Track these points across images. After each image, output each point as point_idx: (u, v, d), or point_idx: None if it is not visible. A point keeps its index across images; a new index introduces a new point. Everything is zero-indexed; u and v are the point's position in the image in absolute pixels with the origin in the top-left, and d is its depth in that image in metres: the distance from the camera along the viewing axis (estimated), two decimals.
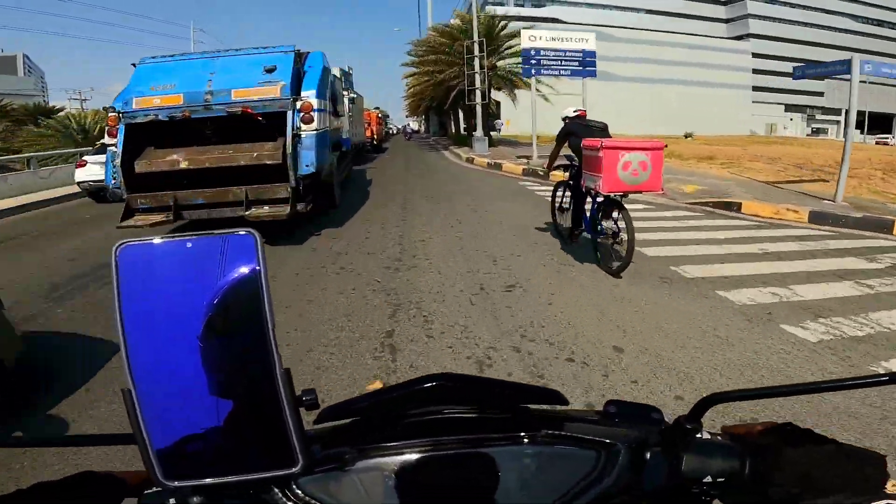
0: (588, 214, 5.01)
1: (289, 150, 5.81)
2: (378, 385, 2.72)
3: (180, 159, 5.85)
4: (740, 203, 8.33)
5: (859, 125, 69.04)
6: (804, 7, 67.66)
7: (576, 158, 5.15)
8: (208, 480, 0.41)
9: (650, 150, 4.31)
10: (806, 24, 68.33)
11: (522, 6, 61.20)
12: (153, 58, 6.66)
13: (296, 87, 6.25)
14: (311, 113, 6.08)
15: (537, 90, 22.49)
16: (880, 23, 69.82)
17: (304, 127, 6.04)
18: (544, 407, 0.55)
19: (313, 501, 0.46)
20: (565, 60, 14.56)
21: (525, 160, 15.77)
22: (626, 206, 4.43)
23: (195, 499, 0.42)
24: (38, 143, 21.03)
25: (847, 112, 8.83)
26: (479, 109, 19.83)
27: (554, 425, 0.52)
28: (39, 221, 9.02)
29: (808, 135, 65.55)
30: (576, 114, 5.33)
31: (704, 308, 3.76)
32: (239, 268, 0.39)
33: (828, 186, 9.40)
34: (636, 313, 3.70)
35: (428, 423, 0.52)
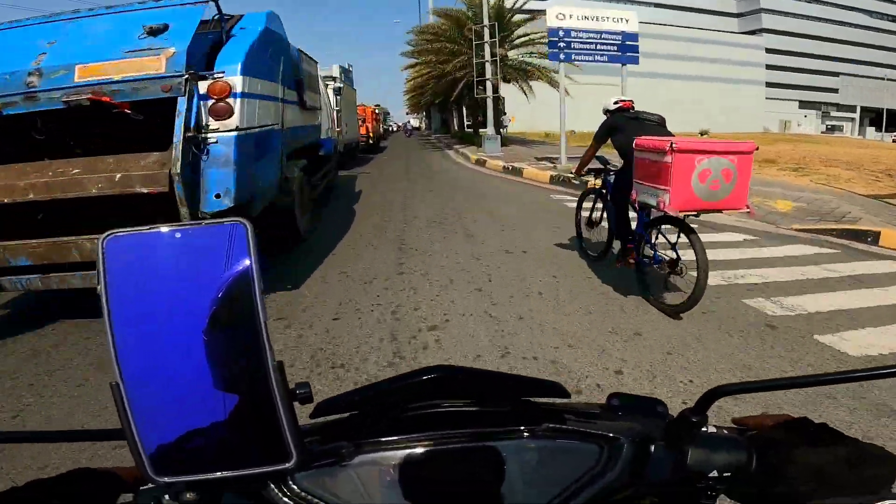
0: (619, 227, 4.15)
1: (176, 168, 3.06)
2: None
3: None
4: (878, 232, 5.66)
5: (876, 122, 67.09)
6: (818, 2, 65.30)
7: (611, 161, 4.36)
8: (200, 476, 0.39)
9: (738, 153, 3.20)
10: (820, 20, 66.19)
11: None
12: None
13: (204, 59, 3.53)
14: (229, 100, 3.35)
15: (553, 79, 19.95)
16: (895, 18, 67.24)
17: (215, 125, 3.31)
18: (545, 400, 0.52)
19: (310, 497, 0.45)
20: (601, 44, 11.76)
21: (549, 163, 12.99)
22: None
23: (189, 494, 0.41)
24: None
25: None
26: (489, 103, 17.02)
27: (556, 419, 0.50)
28: None
29: (822, 132, 63.22)
30: (618, 105, 4.19)
31: None
32: (230, 258, 0.38)
33: None
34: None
35: (427, 417, 0.50)
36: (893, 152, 15.86)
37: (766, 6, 64.29)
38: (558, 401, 0.52)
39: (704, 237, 3.51)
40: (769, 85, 63.22)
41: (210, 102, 3.31)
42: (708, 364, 2.83)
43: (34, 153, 3.49)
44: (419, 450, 0.47)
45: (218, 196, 3.24)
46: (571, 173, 5.65)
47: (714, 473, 0.46)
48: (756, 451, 0.46)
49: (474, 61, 17.12)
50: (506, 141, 20.19)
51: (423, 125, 71.76)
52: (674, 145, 3.07)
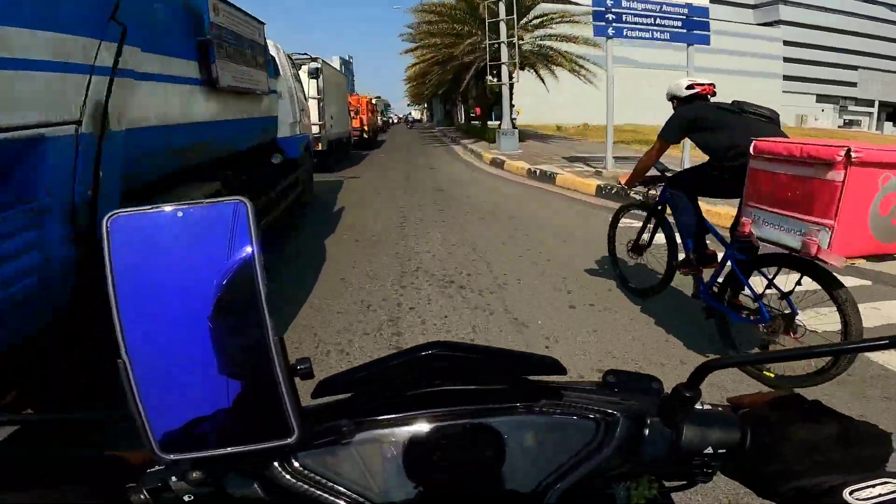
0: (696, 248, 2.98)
1: None
2: None
3: None
4: None
5: (894, 117, 64.26)
6: None
7: (668, 169, 3.31)
8: (204, 453, 0.39)
9: None
10: (839, 12, 63.30)
11: None
12: None
13: None
14: None
15: (579, 67, 17.15)
16: None
17: None
18: (543, 377, 0.52)
19: (312, 474, 0.45)
20: (662, 18, 9.01)
21: (585, 166, 10.25)
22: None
23: (195, 473, 0.41)
24: None
25: None
26: (505, 92, 14.23)
27: (553, 395, 0.51)
28: None
29: (839, 126, 60.47)
30: (693, 91, 3.01)
31: None
32: (231, 236, 0.38)
33: None
34: None
35: (426, 395, 0.50)
36: None
37: None
38: (555, 378, 0.52)
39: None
40: (786, 78, 60.46)
41: None
42: None
43: None
44: (419, 427, 0.47)
45: None
46: (620, 183, 3.59)
47: (709, 451, 0.46)
48: (750, 428, 0.46)
49: (487, 43, 14.29)
50: (520, 136, 17.44)
51: (425, 117, 68.89)
52: (853, 154, 1.94)
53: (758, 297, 2.53)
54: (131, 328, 0.37)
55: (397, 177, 10.60)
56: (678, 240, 3.11)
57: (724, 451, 0.46)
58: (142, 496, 0.43)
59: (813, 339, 2.44)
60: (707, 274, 2.93)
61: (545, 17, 17.93)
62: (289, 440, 0.40)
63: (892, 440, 0.42)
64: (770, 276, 2.54)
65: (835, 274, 2.30)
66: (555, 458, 0.47)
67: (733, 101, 2.93)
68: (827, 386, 2.31)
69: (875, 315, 3.16)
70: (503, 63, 14.04)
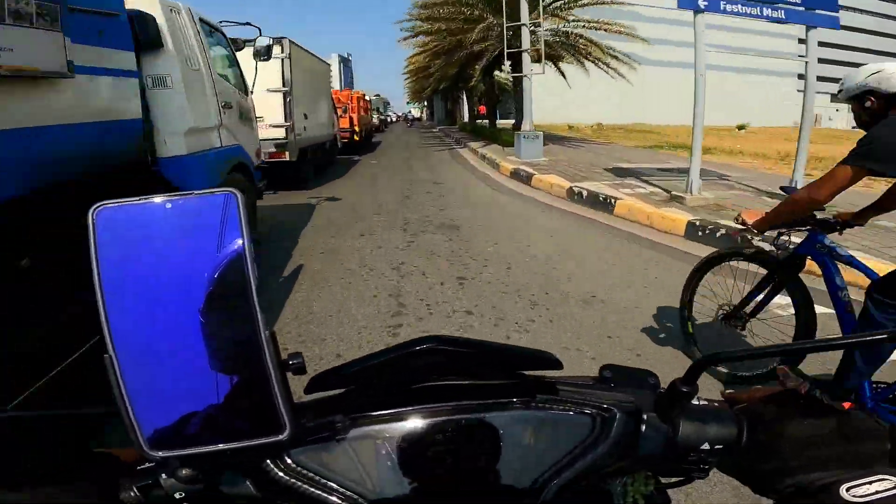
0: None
1: None
2: None
3: None
4: None
5: None
6: None
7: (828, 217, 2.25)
8: (195, 450, 0.38)
9: None
10: (853, 10, 60.75)
11: None
12: None
13: None
14: None
15: (616, 59, 14.23)
16: None
17: None
18: (539, 372, 0.50)
19: (305, 471, 0.44)
20: None
21: (640, 183, 7.40)
22: None
23: (185, 471, 0.40)
24: None
25: None
26: (527, 86, 11.40)
27: (549, 390, 0.49)
28: None
29: (853, 127, 57.65)
30: None
31: None
32: (221, 228, 0.37)
33: None
34: None
35: (421, 391, 0.49)
36: None
37: None
38: (551, 373, 0.50)
39: None
40: (800, 77, 57.81)
41: None
42: None
43: None
44: (414, 423, 0.46)
45: None
46: (742, 224, 2.16)
47: (705, 446, 0.45)
48: (746, 424, 0.45)
49: (504, 26, 11.45)
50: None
51: (425, 115, 65.97)
52: None
53: None
54: (118, 323, 0.36)
55: (390, 199, 7.76)
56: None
57: (720, 446, 0.45)
58: (132, 493, 0.42)
59: None
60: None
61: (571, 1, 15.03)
62: (281, 436, 0.38)
63: (888, 436, 0.41)
64: None
65: None
66: (551, 453, 0.46)
67: None
68: None
69: None
70: (524, 51, 11.21)
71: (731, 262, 2.61)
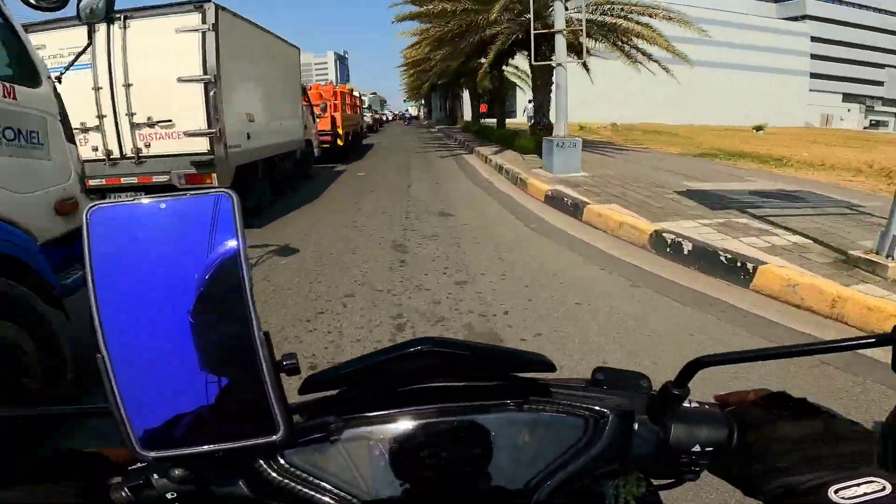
0: None
1: None
2: None
3: None
4: None
5: None
6: None
7: None
8: (187, 450, 0.38)
9: None
10: (867, 8, 58.29)
11: None
12: None
13: None
14: None
15: (673, 51, 11.29)
16: None
17: None
18: (532, 375, 0.50)
19: (298, 472, 0.44)
20: None
21: (763, 224, 4.55)
22: None
23: (178, 471, 0.40)
24: None
25: None
26: (561, 77, 8.58)
27: (541, 393, 0.49)
28: None
29: (865, 128, 55.35)
30: None
31: None
32: (216, 229, 0.36)
33: None
34: None
35: (414, 392, 0.49)
36: None
37: None
38: (545, 375, 0.50)
39: None
40: (812, 76, 55.26)
41: None
42: None
43: None
44: (407, 424, 0.46)
45: None
46: None
47: (696, 448, 0.45)
48: (736, 426, 0.46)
49: (532, 2, 8.63)
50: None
51: (422, 114, 62.87)
52: None
53: None
54: (111, 323, 0.36)
55: (377, 251, 4.90)
56: None
57: (711, 448, 0.45)
58: (123, 494, 0.41)
59: None
60: None
61: None
62: (274, 437, 0.38)
63: (876, 438, 0.41)
64: None
65: None
66: (544, 455, 0.46)
67: None
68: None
69: None
70: (559, 32, 8.39)
71: None
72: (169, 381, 0.36)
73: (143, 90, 4.79)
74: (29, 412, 0.49)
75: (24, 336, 1.85)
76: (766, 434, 0.43)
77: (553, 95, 9.50)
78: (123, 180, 4.99)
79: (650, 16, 11.16)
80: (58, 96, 2.33)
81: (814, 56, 54.65)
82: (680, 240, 4.44)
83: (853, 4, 58.41)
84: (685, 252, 4.34)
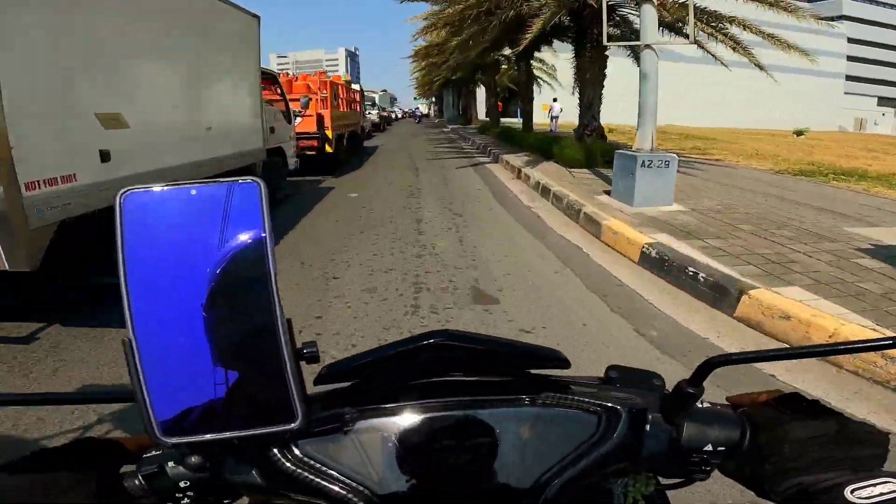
0: None
1: None
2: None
3: None
4: None
5: None
6: None
7: None
8: (206, 437, 0.37)
9: None
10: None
11: None
12: None
13: None
14: None
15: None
16: None
17: None
18: (545, 371, 0.49)
19: (312, 462, 0.43)
20: None
21: None
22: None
23: (194, 459, 0.39)
24: None
25: None
26: (650, 64, 5.74)
27: (555, 388, 0.48)
28: None
29: None
30: None
31: None
32: (243, 216, 0.36)
33: None
34: None
35: (429, 385, 0.49)
36: None
37: None
38: (559, 372, 0.49)
39: None
40: (848, 78, 51.74)
41: None
42: None
43: None
44: (421, 417, 0.45)
45: None
46: None
47: (708, 448, 0.45)
48: (749, 427, 0.45)
49: None
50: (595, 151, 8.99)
51: (433, 112, 59.97)
52: None
53: None
54: (140, 307, 0.35)
55: None
56: None
57: (723, 449, 0.45)
58: (136, 481, 0.41)
59: None
60: None
61: None
62: (292, 425, 0.38)
63: (890, 440, 0.40)
64: None
65: None
66: (556, 451, 0.45)
67: None
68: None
69: None
70: (647, 1, 5.58)
71: None
72: (192, 367, 0.36)
73: None
74: (49, 398, 0.47)
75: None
76: (779, 435, 0.42)
77: (650, 88, 6.66)
78: None
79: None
80: None
81: (849, 58, 51.19)
82: None
83: (889, 5, 54.81)
84: None
